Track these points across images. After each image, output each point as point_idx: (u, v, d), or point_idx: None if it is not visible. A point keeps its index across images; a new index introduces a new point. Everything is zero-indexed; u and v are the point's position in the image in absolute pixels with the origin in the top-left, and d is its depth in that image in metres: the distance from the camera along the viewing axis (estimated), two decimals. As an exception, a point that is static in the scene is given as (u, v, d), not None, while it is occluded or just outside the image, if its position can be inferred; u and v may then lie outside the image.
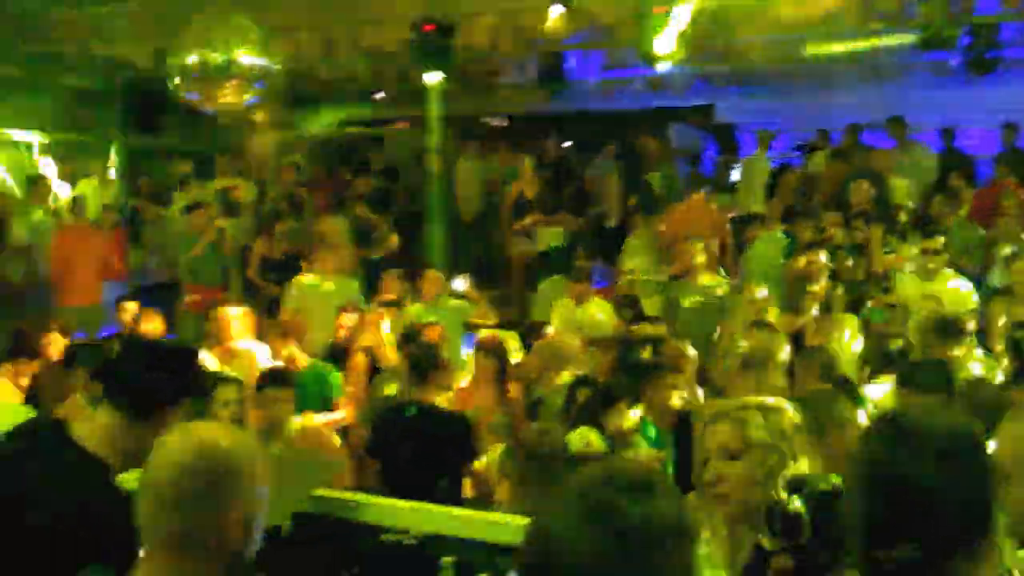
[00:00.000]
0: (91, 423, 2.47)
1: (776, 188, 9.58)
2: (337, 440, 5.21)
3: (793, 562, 1.87)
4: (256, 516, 1.75)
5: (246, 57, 6.44)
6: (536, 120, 12.62)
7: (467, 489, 4.64)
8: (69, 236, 8.48)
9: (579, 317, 7.16)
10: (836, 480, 2.01)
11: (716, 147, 12.00)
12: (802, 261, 7.19)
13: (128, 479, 3.38)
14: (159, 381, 2.51)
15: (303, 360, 6.06)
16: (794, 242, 7.95)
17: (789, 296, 7.20)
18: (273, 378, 4.84)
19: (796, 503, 1.90)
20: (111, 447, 2.42)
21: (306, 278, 7.74)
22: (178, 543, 1.68)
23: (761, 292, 6.62)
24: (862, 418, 2.99)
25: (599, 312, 7.28)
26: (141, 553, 1.76)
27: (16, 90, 9.89)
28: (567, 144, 12.17)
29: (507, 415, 5.11)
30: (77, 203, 9.15)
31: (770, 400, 2.39)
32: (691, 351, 5.49)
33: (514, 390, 5.63)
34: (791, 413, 2.30)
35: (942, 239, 7.02)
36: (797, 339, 5.41)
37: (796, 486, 1.98)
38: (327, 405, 5.83)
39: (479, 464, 4.63)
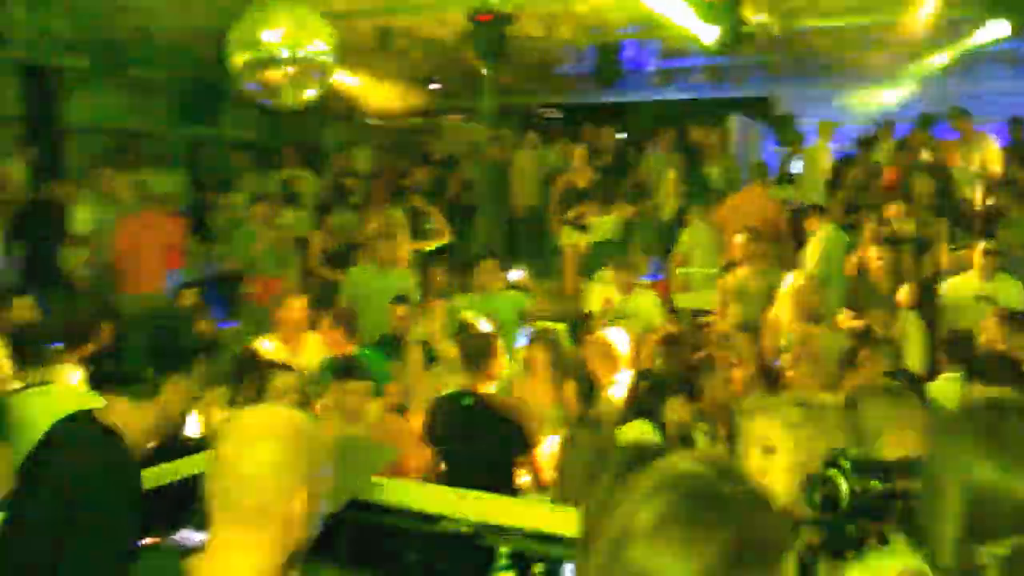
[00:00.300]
0: (109, 407, 2.56)
1: (838, 180, 9.40)
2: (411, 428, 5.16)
3: (821, 536, 1.85)
4: (322, 496, 1.78)
5: (305, 48, 6.47)
6: (592, 110, 12.53)
7: (522, 479, 4.62)
8: (134, 224, 8.57)
9: (624, 308, 7.12)
10: (872, 453, 1.98)
11: (775, 138, 11.82)
12: (864, 257, 7.05)
13: (183, 465, 3.45)
14: (149, 358, 2.58)
15: (351, 349, 6.09)
16: (855, 235, 7.81)
17: (851, 291, 7.08)
18: (348, 370, 4.83)
19: (834, 475, 1.86)
20: (125, 428, 2.50)
21: (361, 269, 7.79)
22: (250, 518, 1.70)
23: (807, 281, 6.51)
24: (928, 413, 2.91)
25: (645, 303, 7.22)
26: (209, 529, 1.78)
27: (81, 81, 10.11)
28: (622, 135, 12.07)
29: (562, 406, 5.08)
30: (142, 191, 9.26)
31: (813, 395, 2.39)
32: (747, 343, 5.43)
33: (568, 383, 5.60)
34: (834, 409, 2.30)
35: (998, 240, 6.86)
36: (863, 335, 5.32)
37: (832, 459, 1.94)
38: (378, 393, 5.85)
39: (534, 454, 4.61)
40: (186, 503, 3.51)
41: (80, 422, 2.59)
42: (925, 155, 9.41)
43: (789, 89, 11.86)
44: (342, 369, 4.86)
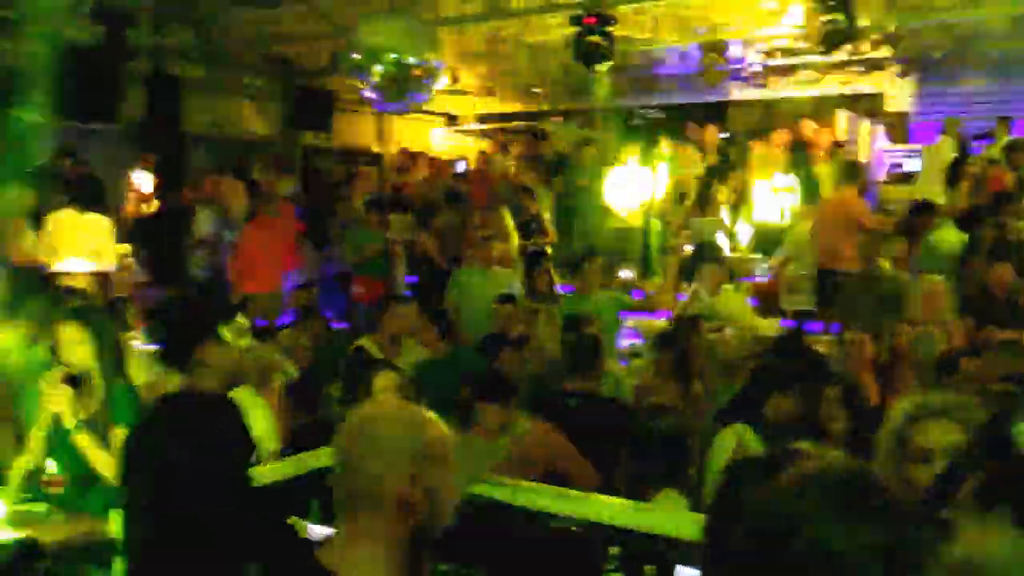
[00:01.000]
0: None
1: (955, 179, 9.10)
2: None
3: None
4: (442, 491, 1.82)
5: (414, 55, 6.62)
6: (696, 109, 12.40)
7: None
8: (252, 227, 8.81)
9: (713, 308, 7.04)
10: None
11: (886, 136, 11.48)
12: (983, 260, 6.82)
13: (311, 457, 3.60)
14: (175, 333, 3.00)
15: (443, 348, 6.18)
16: (972, 236, 7.54)
17: (969, 296, 6.83)
18: (493, 391, 4.37)
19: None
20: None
21: (466, 270, 7.90)
22: (366, 507, 1.78)
23: (937, 286, 6.33)
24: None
25: (734, 303, 7.13)
26: (336, 520, 1.87)
27: (198, 90, 10.54)
28: (726, 135, 11.91)
29: (689, 408, 5.02)
30: (259, 196, 9.56)
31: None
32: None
33: (695, 382, 5.57)
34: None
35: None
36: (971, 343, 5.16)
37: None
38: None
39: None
40: (308, 497, 3.68)
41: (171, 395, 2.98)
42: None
43: (902, 85, 11.50)
44: (481, 392, 4.37)
